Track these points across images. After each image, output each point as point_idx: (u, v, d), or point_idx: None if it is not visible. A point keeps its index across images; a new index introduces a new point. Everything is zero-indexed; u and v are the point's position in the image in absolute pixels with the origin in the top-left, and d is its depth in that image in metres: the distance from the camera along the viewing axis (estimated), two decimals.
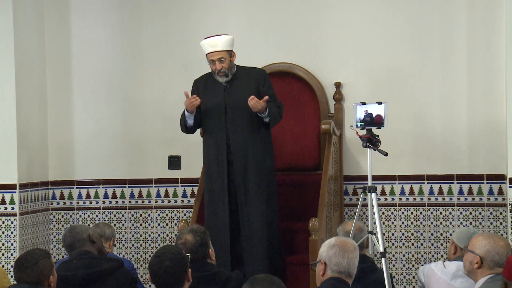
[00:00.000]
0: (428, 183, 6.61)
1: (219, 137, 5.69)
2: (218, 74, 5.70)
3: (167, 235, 6.94)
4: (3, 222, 6.48)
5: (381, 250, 5.01)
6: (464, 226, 6.52)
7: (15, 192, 6.47)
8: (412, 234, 6.62)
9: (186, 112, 5.73)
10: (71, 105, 7.05)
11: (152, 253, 6.93)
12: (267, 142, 5.77)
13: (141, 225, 6.98)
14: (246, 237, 5.60)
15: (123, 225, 6.99)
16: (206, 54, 5.72)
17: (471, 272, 4.11)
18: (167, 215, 6.95)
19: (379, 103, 5.25)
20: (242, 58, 6.01)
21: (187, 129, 5.85)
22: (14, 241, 6.46)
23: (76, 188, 7.05)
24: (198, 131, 6.37)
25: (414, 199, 6.63)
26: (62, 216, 7.04)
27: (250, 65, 5.91)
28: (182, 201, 6.95)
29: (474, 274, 4.09)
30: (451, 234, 6.54)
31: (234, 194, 5.67)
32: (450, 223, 6.57)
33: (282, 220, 6.00)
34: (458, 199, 6.58)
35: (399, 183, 6.65)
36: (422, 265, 6.43)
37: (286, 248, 5.92)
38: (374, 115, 5.23)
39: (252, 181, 5.63)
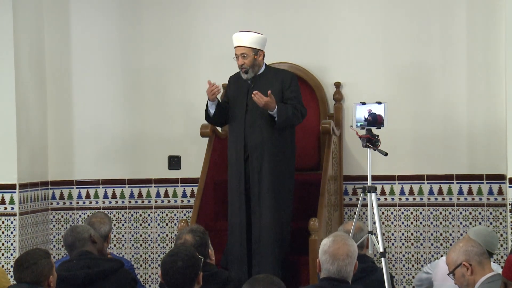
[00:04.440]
0: (427, 183, 6.60)
1: (238, 135, 5.70)
2: (241, 69, 5.73)
3: (167, 235, 6.94)
4: (3, 222, 6.48)
5: (381, 250, 5.01)
6: (463, 226, 6.53)
7: (14, 192, 6.46)
8: (412, 234, 6.62)
9: (208, 101, 5.72)
10: (70, 105, 7.04)
11: (152, 253, 6.93)
12: (286, 144, 5.74)
13: (140, 225, 6.98)
14: (256, 238, 5.61)
15: (122, 225, 6.99)
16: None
17: (470, 283, 4.04)
18: (166, 215, 6.95)
19: (379, 103, 5.25)
20: None
21: (209, 118, 5.85)
22: (14, 241, 6.46)
23: (76, 188, 7.05)
24: (198, 132, 6.38)
25: (414, 199, 6.63)
26: (62, 216, 7.04)
27: None
28: (182, 201, 6.94)
29: (472, 283, 4.04)
30: (450, 234, 6.55)
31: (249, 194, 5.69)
32: (450, 223, 6.57)
33: None
34: (458, 199, 6.58)
35: (398, 183, 6.65)
36: (422, 266, 6.45)
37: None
38: (374, 115, 5.23)
39: (266, 182, 5.62)
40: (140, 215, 6.99)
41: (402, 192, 6.63)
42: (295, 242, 5.94)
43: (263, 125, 5.65)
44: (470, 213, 6.54)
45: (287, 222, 5.74)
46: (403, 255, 6.62)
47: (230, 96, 5.84)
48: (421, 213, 6.61)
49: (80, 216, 7.01)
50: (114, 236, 6.94)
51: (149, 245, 6.96)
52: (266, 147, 5.64)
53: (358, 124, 5.26)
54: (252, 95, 5.51)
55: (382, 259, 4.92)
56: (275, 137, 5.67)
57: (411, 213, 6.62)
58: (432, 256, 6.56)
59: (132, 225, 6.99)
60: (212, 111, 5.75)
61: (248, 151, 5.67)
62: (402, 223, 6.63)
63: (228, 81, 5.97)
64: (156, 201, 6.98)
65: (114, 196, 7.01)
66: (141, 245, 6.97)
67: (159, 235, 6.95)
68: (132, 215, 6.99)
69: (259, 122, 5.66)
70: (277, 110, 5.55)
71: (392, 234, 6.63)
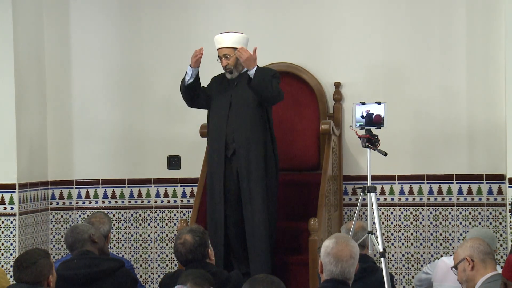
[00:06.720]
0: (427, 183, 6.61)
1: (220, 134, 5.71)
2: (225, 70, 5.76)
3: (167, 235, 6.93)
4: (3, 222, 6.47)
5: (381, 250, 5.01)
6: (463, 226, 6.53)
7: (14, 192, 6.46)
8: (412, 234, 6.62)
9: (188, 67, 5.69)
10: (70, 104, 7.04)
11: (151, 253, 6.94)
12: (268, 142, 5.73)
13: (140, 225, 6.98)
14: (249, 234, 5.61)
15: (122, 225, 6.99)
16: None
17: (469, 279, 4.05)
18: (166, 215, 6.95)
19: (379, 103, 5.26)
20: None
21: (185, 88, 5.75)
22: (14, 241, 6.46)
23: (76, 188, 7.05)
24: (198, 132, 6.38)
25: (414, 199, 6.63)
26: (62, 216, 7.04)
27: None
28: (182, 201, 6.94)
29: (471, 279, 4.05)
30: (450, 234, 6.55)
31: (233, 192, 5.67)
32: (450, 223, 6.57)
33: (282, 220, 6.00)
34: (458, 199, 6.58)
35: (398, 183, 6.65)
36: (422, 266, 6.45)
37: (285, 248, 5.92)
38: (373, 115, 5.24)
39: (254, 180, 5.61)
40: (140, 215, 6.99)
41: (401, 192, 6.64)
42: (294, 242, 5.95)
43: (247, 123, 5.64)
44: (470, 213, 6.54)
45: (274, 218, 5.73)
46: (403, 255, 6.63)
47: (213, 95, 5.82)
48: (420, 213, 6.61)
49: (79, 216, 7.01)
50: (114, 236, 6.94)
51: (149, 245, 6.96)
52: (252, 146, 5.63)
53: (358, 124, 5.27)
54: (236, 51, 5.56)
55: (382, 259, 4.92)
56: (258, 135, 5.66)
57: (411, 213, 6.62)
58: (432, 256, 6.56)
59: (132, 225, 6.99)
60: (188, 78, 5.70)
61: (234, 149, 5.66)
62: (402, 223, 6.63)
63: (211, 80, 5.93)
64: (155, 201, 6.98)
65: (113, 196, 7.02)
66: (140, 245, 6.97)
67: (158, 235, 6.95)
68: (131, 215, 6.99)
69: (242, 121, 5.66)
70: (256, 69, 5.54)
71: (392, 234, 6.64)
